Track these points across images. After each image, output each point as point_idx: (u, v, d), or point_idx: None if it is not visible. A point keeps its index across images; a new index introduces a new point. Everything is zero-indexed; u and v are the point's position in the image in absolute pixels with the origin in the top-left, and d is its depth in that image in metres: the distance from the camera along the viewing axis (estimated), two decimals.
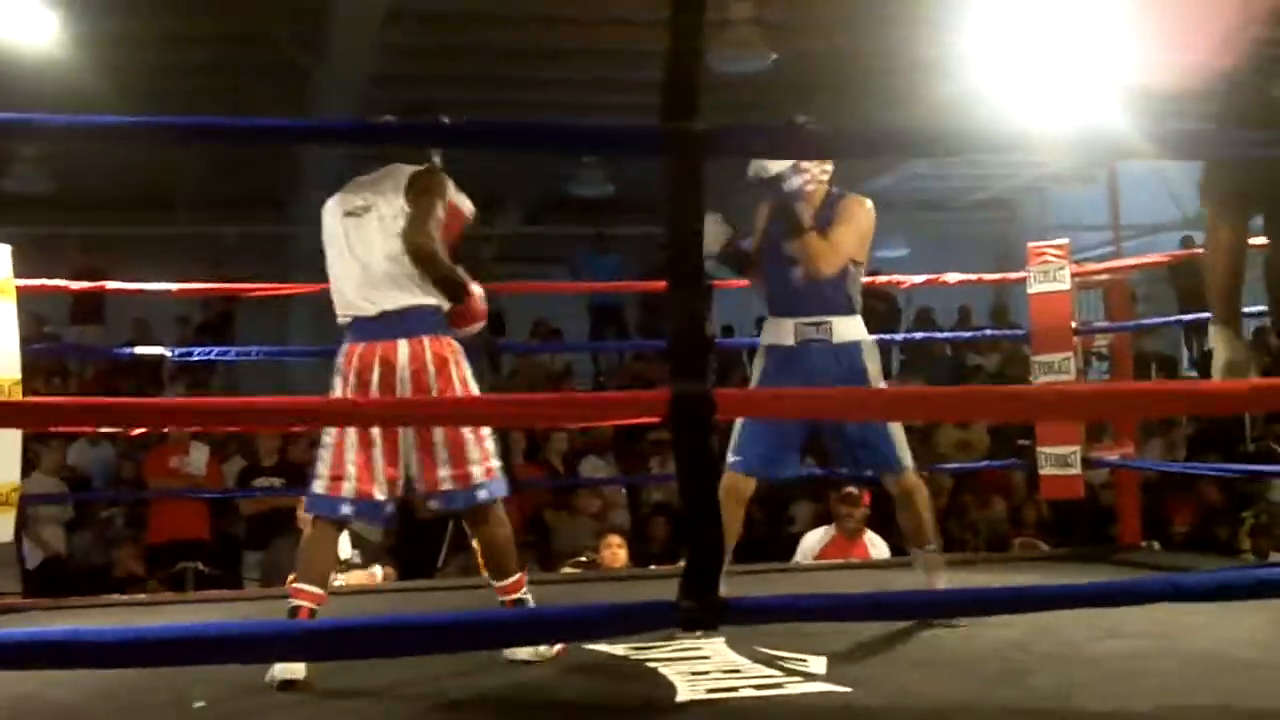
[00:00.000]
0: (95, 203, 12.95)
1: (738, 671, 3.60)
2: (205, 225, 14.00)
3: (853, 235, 4.21)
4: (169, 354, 6.54)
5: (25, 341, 5.26)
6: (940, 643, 3.85)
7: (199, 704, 3.26)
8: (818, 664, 3.62)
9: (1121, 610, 3.96)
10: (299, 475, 8.06)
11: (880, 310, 12.40)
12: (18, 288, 5.26)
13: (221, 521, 8.41)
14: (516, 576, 3.77)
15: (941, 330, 12.04)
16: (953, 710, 3.18)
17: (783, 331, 4.25)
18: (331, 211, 3.88)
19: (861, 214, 4.26)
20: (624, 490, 9.08)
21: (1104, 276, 6.55)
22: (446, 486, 3.72)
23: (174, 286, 5.93)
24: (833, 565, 6.12)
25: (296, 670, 3.42)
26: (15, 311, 5.24)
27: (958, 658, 3.70)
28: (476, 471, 3.72)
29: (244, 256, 13.38)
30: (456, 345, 3.78)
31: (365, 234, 3.78)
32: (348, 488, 3.72)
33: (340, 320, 3.84)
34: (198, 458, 8.13)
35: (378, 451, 3.71)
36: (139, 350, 7.00)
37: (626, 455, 9.67)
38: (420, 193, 3.76)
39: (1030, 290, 6.06)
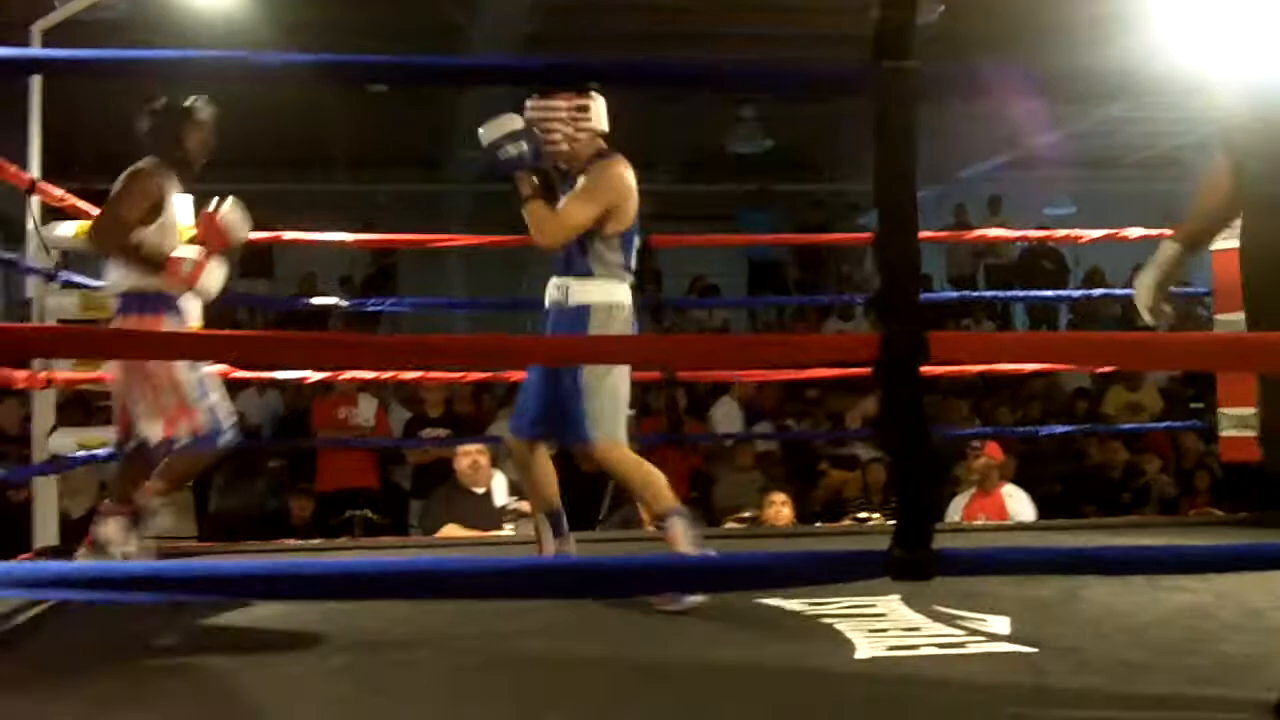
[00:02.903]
0: (258, 160, 13.19)
1: (917, 630, 3.56)
2: (361, 184, 14.23)
3: (583, 208, 4.03)
4: (343, 303, 6.66)
5: None
6: (1121, 605, 3.76)
7: None
8: (999, 624, 3.56)
9: None
10: (464, 425, 8.21)
11: (1048, 268, 12.14)
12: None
13: (389, 471, 8.58)
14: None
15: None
16: (1141, 673, 3.10)
17: (548, 291, 4.21)
18: None
19: (603, 182, 4.07)
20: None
21: None
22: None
23: (348, 237, 6.03)
24: (973, 527, 6.10)
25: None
26: None
27: (1140, 622, 3.61)
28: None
29: (398, 214, 13.57)
30: (151, 323, 4.25)
31: None
32: None
33: None
34: (366, 409, 8.31)
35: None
36: (315, 301, 7.13)
37: (779, 414, 9.62)
38: (120, 186, 4.27)
39: (1213, 247, 5.83)
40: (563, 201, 4.09)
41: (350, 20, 9.96)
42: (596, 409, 4.04)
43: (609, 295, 4.11)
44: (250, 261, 12.79)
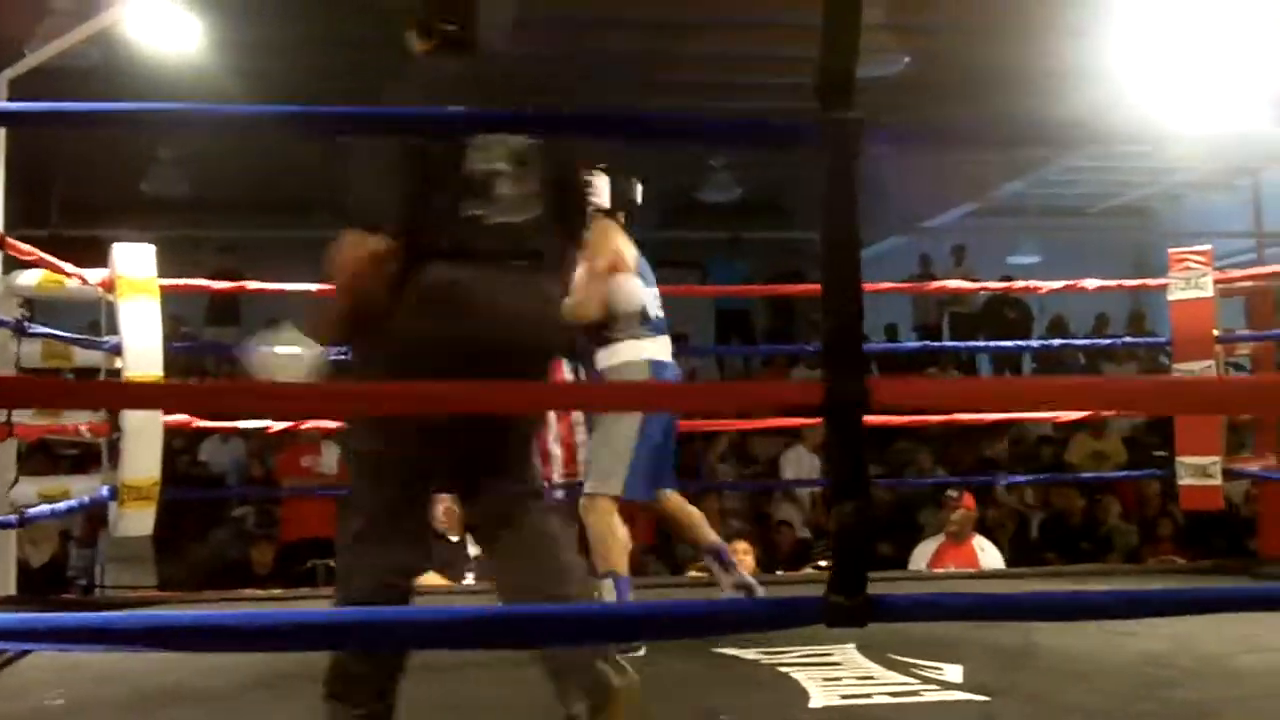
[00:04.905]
0: (228, 207, 13.17)
1: (871, 678, 3.57)
2: (336, 230, 14.18)
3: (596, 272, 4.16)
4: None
5: (165, 341, 5.39)
6: (1077, 652, 3.79)
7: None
8: (954, 672, 3.58)
9: (1262, 626, 3.89)
10: None
11: (1012, 318, 12.21)
12: (160, 287, 5.40)
13: None
14: None
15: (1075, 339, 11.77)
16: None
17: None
18: None
19: (603, 242, 4.17)
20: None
21: (1247, 284, 6.36)
22: None
23: (314, 287, 6.01)
24: (949, 574, 6.14)
25: None
26: (159, 310, 5.38)
27: (1096, 668, 3.64)
28: None
29: None
30: None
31: None
32: None
33: None
34: (329, 457, 8.28)
35: None
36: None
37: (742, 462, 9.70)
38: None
39: (1171, 297, 5.93)
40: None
41: (330, 68, 9.95)
42: (594, 457, 4.17)
43: (627, 355, 4.20)
44: (217, 308, 12.78)
